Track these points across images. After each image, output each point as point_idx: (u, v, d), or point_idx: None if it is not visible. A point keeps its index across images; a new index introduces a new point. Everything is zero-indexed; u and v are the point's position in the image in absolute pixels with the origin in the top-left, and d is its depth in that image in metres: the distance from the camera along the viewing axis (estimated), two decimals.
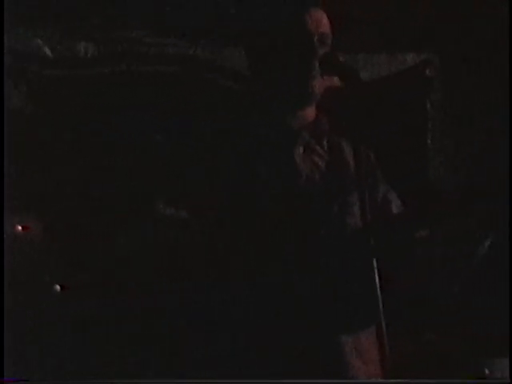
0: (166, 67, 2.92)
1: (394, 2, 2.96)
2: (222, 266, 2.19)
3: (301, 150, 2.30)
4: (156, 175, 2.28)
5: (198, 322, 2.18)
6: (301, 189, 2.26)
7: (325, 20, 2.30)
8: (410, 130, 3.06)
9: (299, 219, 2.21)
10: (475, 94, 3.13)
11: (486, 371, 2.66)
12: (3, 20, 2.46)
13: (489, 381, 2.63)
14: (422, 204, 2.37)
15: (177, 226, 2.22)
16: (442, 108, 3.15)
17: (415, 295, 2.35)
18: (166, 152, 2.32)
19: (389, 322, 2.17)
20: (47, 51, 2.82)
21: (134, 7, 2.78)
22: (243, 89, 2.68)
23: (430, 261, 2.30)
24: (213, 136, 2.28)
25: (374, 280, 2.14)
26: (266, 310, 2.18)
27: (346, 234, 2.26)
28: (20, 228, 2.65)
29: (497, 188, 2.24)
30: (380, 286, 2.15)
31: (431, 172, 3.11)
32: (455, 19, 2.97)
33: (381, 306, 2.14)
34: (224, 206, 2.21)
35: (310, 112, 2.33)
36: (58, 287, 2.61)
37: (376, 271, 2.15)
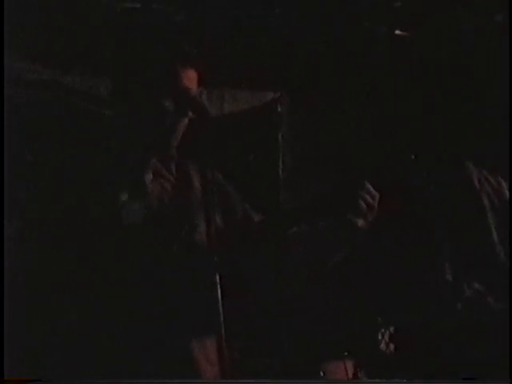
0: (30, 93, 3.04)
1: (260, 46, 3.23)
2: (68, 281, 2.38)
3: (150, 175, 2.50)
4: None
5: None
6: (151, 211, 2.47)
7: (194, 75, 2.53)
8: (262, 158, 3.33)
9: (150, 240, 2.43)
10: (321, 129, 3.41)
11: (321, 373, 2.89)
12: None
13: (489, 381, 2.66)
14: (271, 221, 2.64)
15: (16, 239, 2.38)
16: (292, 140, 3.40)
17: (255, 304, 2.58)
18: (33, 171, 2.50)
19: (228, 329, 2.40)
20: None
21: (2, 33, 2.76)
22: (105, 115, 2.80)
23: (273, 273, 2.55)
24: (72, 159, 2.48)
25: (217, 292, 2.39)
26: (122, 316, 2.39)
27: (193, 251, 2.48)
28: None
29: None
30: (222, 297, 2.39)
31: (281, 194, 3.34)
32: (306, 62, 3.26)
33: (221, 315, 2.38)
34: (76, 229, 2.39)
35: (161, 140, 2.53)
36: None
37: (218, 285, 2.39)
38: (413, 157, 2.79)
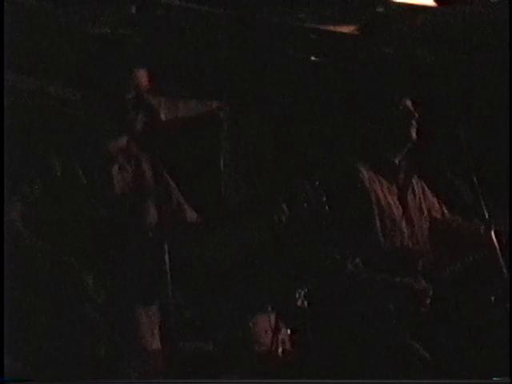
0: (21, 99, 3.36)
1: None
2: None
3: (116, 168, 2.94)
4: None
5: None
6: (115, 198, 2.89)
7: (145, 76, 2.96)
8: (205, 156, 3.80)
9: (114, 221, 2.88)
10: (255, 133, 3.94)
11: (250, 324, 3.30)
12: None
13: (489, 381, 2.73)
14: (213, 213, 3.08)
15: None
16: (231, 141, 3.92)
17: (197, 270, 3.01)
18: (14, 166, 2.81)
19: (174, 289, 2.84)
20: None
21: None
22: (76, 118, 3.11)
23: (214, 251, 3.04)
24: (48, 153, 2.85)
25: (165, 262, 2.86)
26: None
27: (145, 229, 2.92)
28: None
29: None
30: (170, 268, 2.82)
31: (222, 189, 3.80)
32: (244, 79, 3.80)
33: (169, 283, 2.81)
34: (56, 213, 2.76)
35: (124, 139, 3.00)
36: None
37: (167, 255, 2.87)
38: (317, 183, 3.20)
